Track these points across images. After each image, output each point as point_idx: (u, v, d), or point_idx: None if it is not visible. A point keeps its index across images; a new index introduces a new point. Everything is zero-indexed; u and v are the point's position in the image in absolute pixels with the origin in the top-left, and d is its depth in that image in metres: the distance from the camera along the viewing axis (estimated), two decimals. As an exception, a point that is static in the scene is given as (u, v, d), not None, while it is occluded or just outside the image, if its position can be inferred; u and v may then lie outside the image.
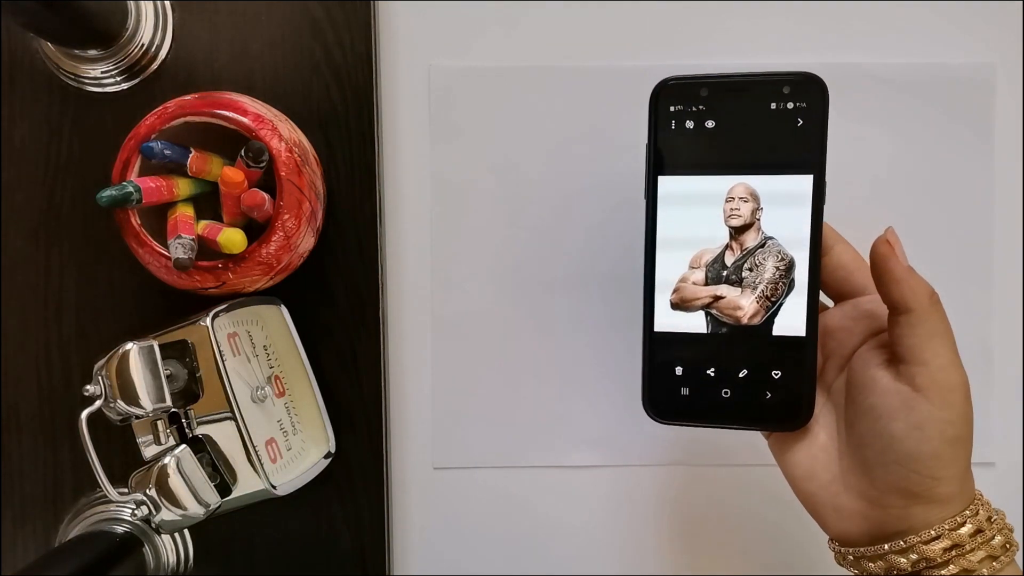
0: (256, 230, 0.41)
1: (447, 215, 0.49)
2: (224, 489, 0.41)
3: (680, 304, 0.36)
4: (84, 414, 0.38)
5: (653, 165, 0.36)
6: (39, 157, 0.47)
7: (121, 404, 0.38)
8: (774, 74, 0.35)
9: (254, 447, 0.40)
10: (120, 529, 0.45)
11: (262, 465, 0.40)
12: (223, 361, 0.40)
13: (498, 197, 0.49)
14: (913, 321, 0.33)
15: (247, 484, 0.41)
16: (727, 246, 0.36)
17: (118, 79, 0.46)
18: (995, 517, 0.33)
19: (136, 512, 0.39)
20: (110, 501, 0.46)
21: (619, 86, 0.48)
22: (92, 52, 0.45)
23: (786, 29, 0.48)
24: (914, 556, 0.32)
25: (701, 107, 0.36)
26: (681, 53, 0.48)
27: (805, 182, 0.35)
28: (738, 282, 0.36)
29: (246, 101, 0.42)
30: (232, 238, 0.40)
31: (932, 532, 0.32)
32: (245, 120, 0.40)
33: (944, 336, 0.33)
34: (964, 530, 0.32)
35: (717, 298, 0.36)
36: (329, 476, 0.47)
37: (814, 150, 0.35)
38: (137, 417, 0.39)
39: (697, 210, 0.36)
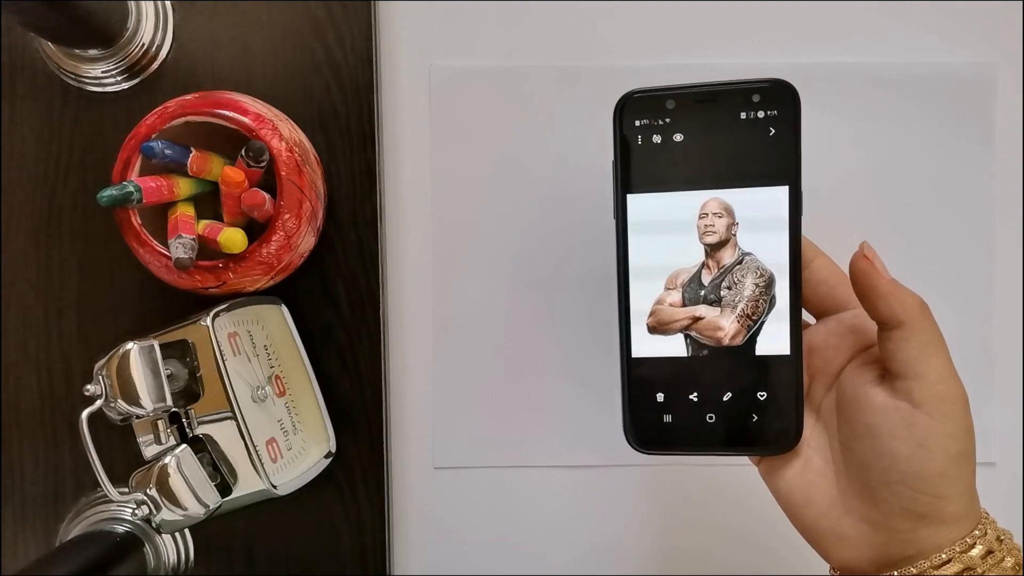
0: (256, 230, 0.41)
1: (447, 215, 0.49)
2: (225, 489, 0.41)
3: (657, 328, 0.35)
4: (84, 414, 0.38)
5: (621, 183, 0.34)
6: (39, 157, 0.47)
7: (122, 404, 0.37)
8: (743, 82, 0.34)
9: (255, 447, 0.40)
10: (120, 529, 0.45)
11: (263, 465, 0.40)
12: (223, 361, 0.40)
13: (498, 197, 0.49)
14: (906, 334, 0.31)
15: (248, 484, 0.41)
16: (703, 264, 0.34)
17: (119, 79, 0.46)
18: (1004, 536, 0.32)
19: (136, 512, 0.39)
20: (111, 501, 0.46)
21: (619, 86, 0.48)
22: (93, 52, 0.45)
23: (785, 29, 0.48)
24: None
25: (668, 120, 0.34)
26: (680, 53, 0.48)
27: (781, 193, 0.34)
28: (717, 301, 0.34)
29: (246, 101, 0.42)
30: (232, 238, 0.40)
31: (943, 556, 0.30)
32: (245, 120, 0.40)
33: (938, 346, 0.32)
34: (975, 552, 0.30)
35: (696, 319, 0.35)
36: (329, 476, 0.47)
37: (789, 159, 0.34)
38: (138, 417, 0.39)
39: (670, 228, 0.34)
